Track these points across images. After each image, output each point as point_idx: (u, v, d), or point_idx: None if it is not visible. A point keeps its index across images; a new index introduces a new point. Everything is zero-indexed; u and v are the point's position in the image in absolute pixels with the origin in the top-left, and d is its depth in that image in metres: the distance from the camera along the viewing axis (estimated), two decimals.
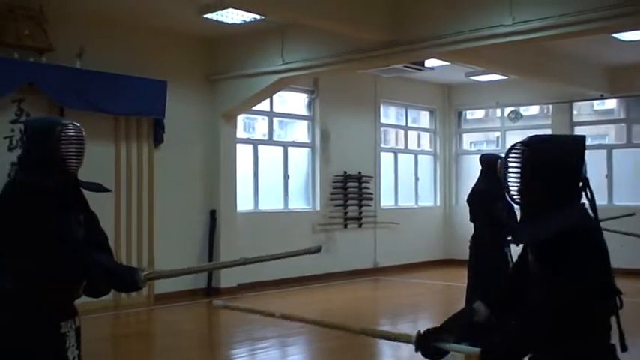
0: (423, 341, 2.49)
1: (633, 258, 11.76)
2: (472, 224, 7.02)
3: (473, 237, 7.02)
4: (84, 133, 3.10)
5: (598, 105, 13.91)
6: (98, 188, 3.25)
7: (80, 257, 2.99)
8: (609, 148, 13.28)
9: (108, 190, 3.37)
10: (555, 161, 2.42)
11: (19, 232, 2.95)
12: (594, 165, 12.67)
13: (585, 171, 2.46)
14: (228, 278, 10.62)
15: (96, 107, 8.98)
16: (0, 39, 8.22)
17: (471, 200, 6.96)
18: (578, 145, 2.48)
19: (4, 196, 3.07)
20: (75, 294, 3.11)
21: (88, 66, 8.92)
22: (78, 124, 3.12)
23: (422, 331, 2.51)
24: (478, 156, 7.19)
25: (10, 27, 8.26)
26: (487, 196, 6.76)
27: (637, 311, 9.60)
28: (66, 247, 2.97)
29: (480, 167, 6.99)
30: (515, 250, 7.45)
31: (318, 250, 2.94)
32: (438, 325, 2.53)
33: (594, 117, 14.22)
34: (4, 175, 8.45)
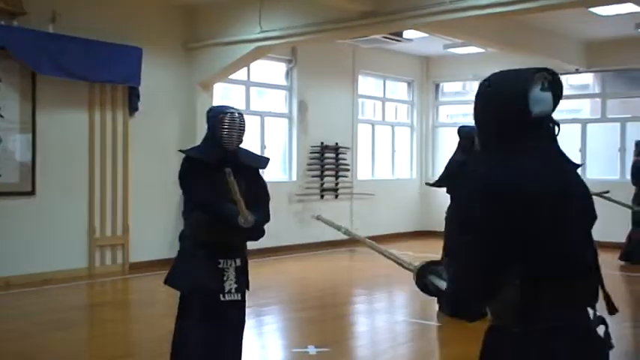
0: (421, 273, 2.43)
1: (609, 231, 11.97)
2: (449, 196, 7.06)
3: (449, 208, 7.06)
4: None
5: (574, 79, 13.98)
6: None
7: (201, 205, 4.45)
8: (584, 123, 13.38)
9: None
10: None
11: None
12: (568, 138, 12.78)
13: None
14: None
15: (69, 74, 8.84)
16: None
17: (448, 171, 7.00)
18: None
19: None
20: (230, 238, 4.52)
21: (62, 31, 8.76)
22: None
23: (424, 263, 2.44)
24: (455, 128, 7.21)
25: None
26: (465, 167, 6.80)
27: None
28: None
29: (457, 139, 7.02)
30: None
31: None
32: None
33: (570, 91, 14.25)
34: None
